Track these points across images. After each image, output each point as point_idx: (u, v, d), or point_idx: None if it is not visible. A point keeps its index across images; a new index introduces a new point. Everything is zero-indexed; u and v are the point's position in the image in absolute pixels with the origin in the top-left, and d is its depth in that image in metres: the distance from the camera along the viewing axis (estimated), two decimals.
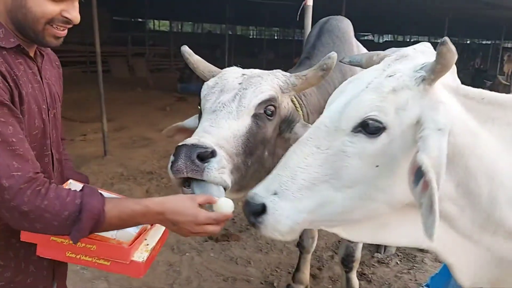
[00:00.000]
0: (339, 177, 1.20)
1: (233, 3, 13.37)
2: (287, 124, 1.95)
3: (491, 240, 1.29)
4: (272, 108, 1.84)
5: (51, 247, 1.38)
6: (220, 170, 1.58)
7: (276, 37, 38.98)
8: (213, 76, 2.01)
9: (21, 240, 1.36)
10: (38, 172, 1.25)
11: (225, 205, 1.42)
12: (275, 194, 1.24)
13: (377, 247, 4.06)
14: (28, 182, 1.19)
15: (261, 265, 3.75)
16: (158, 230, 1.59)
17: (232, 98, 1.80)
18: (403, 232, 1.33)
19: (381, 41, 38.69)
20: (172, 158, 1.58)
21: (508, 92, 7.44)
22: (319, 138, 1.24)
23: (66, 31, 1.37)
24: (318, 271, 3.74)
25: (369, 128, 1.17)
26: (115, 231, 1.41)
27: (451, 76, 1.27)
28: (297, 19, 3.82)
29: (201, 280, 3.49)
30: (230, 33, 16.82)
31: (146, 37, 18.03)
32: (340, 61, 1.87)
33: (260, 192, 1.27)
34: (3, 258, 1.36)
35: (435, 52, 1.16)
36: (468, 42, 35.00)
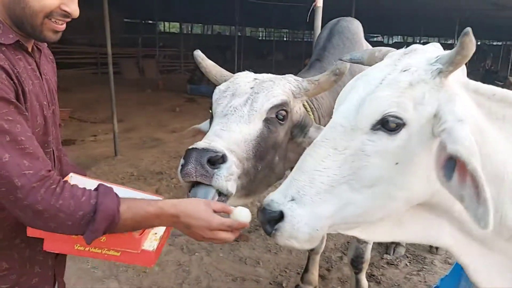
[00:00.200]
0: (358, 177, 1.17)
1: (242, 5, 13.41)
2: (299, 128, 1.95)
3: (506, 246, 1.25)
4: (283, 112, 1.84)
5: (59, 241, 1.36)
6: (228, 177, 1.58)
7: (285, 39, 38.98)
8: (225, 81, 2.01)
9: (27, 235, 1.33)
10: (50, 170, 1.23)
11: (242, 214, 1.38)
12: (292, 200, 1.19)
13: (386, 249, 4.05)
14: (41, 181, 1.17)
15: (270, 266, 3.76)
16: None
17: (244, 102, 1.80)
18: (416, 229, 1.31)
19: (390, 42, 38.52)
20: (182, 161, 1.58)
21: None
22: (335, 139, 1.20)
23: (64, 25, 1.34)
24: (327, 272, 3.74)
25: (389, 125, 1.14)
26: None
27: (460, 72, 1.25)
28: (307, 21, 3.83)
29: (211, 280, 3.51)
30: (240, 34, 16.85)
31: (156, 39, 18.12)
32: (340, 59, 1.86)
33: (277, 198, 1.22)
34: (8, 260, 1.34)
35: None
36: (479, 43, 34.67)
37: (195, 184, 1.60)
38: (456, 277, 2.20)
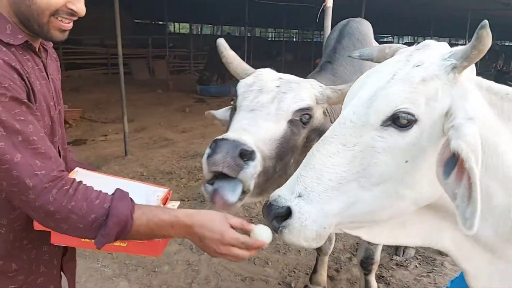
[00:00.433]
0: (367, 174, 1.13)
1: (252, 5, 13.42)
2: (318, 133, 1.95)
3: None
4: (307, 116, 1.83)
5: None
6: (254, 175, 1.56)
7: (294, 39, 38.91)
8: (246, 74, 2.00)
9: (34, 228, 1.33)
10: (63, 170, 1.22)
11: (262, 233, 1.29)
12: (299, 196, 1.15)
13: (396, 250, 4.03)
14: (53, 181, 1.16)
15: (278, 266, 3.76)
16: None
17: (271, 100, 1.79)
18: (417, 232, 1.29)
19: (400, 42, 38.23)
20: (208, 150, 1.55)
21: None
22: (345, 135, 1.17)
23: (71, 24, 1.32)
24: (336, 273, 3.73)
25: (400, 121, 1.11)
26: None
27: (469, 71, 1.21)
28: (317, 21, 3.82)
29: (220, 279, 3.53)
30: (249, 35, 16.87)
31: (166, 39, 18.20)
32: (349, 56, 1.84)
33: (284, 194, 1.18)
34: (17, 261, 1.34)
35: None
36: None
37: (216, 176, 1.56)
38: None
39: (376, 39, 2.88)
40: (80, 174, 1.47)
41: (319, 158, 1.18)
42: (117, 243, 1.32)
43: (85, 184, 1.24)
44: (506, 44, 34.96)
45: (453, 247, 1.28)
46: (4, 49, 1.20)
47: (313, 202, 1.14)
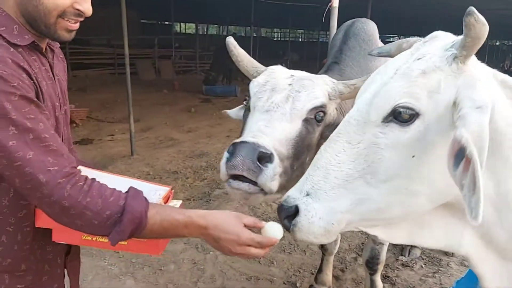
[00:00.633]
0: (373, 171, 1.13)
1: (258, 5, 13.44)
2: (331, 129, 1.95)
3: None
4: (322, 114, 1.84)
5: (67, 232, 1.33)
6: (273, 177, 1.57)
7: (300, 39, 38.89)
8: (256, 72, 2.00)
9: (36, 226, 1.34)
10: (75, 167, 1.22)
11: (273, 230, 1.31)
12: (307, 195, 1.18)
13: (402, 250, 4.02)
14: (66, 177, 1.16)
15: (284, 266, 3.77)
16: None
17: (285, 99, 1.79)
18: (438, 234, 1.26)
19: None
20: (227, 154, 1.56)
21: None
22: (350, 133, 1.18)
23: (78, 24, 1.32)
24: (341, 272, 3.74)
25: (401, 116, 1.10)
26: None
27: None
28: (323, 21, 3.82)
29: (225, 278, 3.54)
30: (255, 35, 16.90)
31: (172, 39, 18.27)
32: (369, 54, 1.83)
33: (293, 194, 1.21)
34: (26, 261, 1.35)
35: None
36: (498, 43, 34.08)
37: (234, 177, 1.57)
38: (473, 280, 2.17)
39: (382, 39, 2.88)
40: (83, 173, 1.48)
41: (326, 156, 1.19)
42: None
43: (98, 182, 1.24)
44: None
45: (473, 251, 1.26)
46: (12, 49, 1.21)
47: (320, 200, 1.16)
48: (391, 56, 1.56)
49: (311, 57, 22.27)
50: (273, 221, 1.36)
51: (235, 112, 2.23)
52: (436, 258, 3.95)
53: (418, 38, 1.43)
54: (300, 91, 1.81)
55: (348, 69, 2.46)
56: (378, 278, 3.08)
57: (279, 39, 38.73)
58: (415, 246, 3.99)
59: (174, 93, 12.97)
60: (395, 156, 1.12)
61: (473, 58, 1.14)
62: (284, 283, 3.53)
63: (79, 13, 1.29)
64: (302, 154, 1.78)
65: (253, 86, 1.90)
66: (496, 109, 1.10)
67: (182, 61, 18.46)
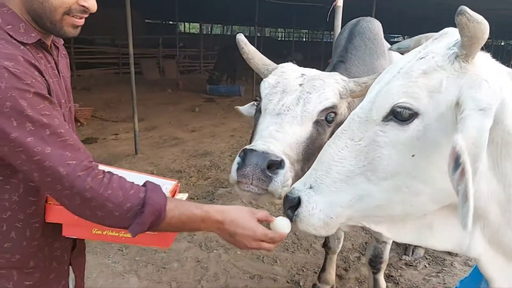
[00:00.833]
0: (373, 169, 1.14)
1: (262, 5, 13.44)
2: None
3: None
4: (333, 114, 1.84)
5: (78, 226, 1.36)
6: (284, 183, 1.58)
7: (304, 39, 38.87)
8: (267, 70, 2.01)
9: (46, 221, 1.36)
10: (92, 161, 1.24)
11: (282, 225, 1.38)
12: (310, 188, 1.22)
13: (405, 250, 4.02)
14: (85, 170, 1.18)
15: (287, 264, 3.78)
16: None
17: (296, 102, 1.79)
18: (447, 236, 1.25)
19: None
20: (238, 159, 1.57)
21: None
22: (353, 130, 1.20)
23: (83, 20, 1.33)
24: (345, 271, 3.74)
25: (400, 115, 1.11)
26: None
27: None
28: (327, 20, 3.82)
29: (228, 277, 3.55)
30: (259, 35, 16.90)
31: (176, 39, 18.30)
32: (389, 49, 1.83)
33: (298, 186, 1.26)
34: (34, 258, 1.36)
35: None
36: (503, 43, 33.92)
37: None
38: (476, 279, 2.17)
39: (386, 39, 2.87)
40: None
41: (330, 152, 1.23)
42: (128, 235, 1.32)
43: (117, 175, 1.26)
44: None
45: (483, 253, 1.25)
46: (22, 47, 1.22)
47: (322, 193, 1.20)
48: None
49: (315, 57, 22.24)
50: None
51: (246, 109, 2.25)
52: (440, 258, 3.94)
53: (440, 32, 1.39)
54: (311, 92, 1.81)
55: (354, 68, 2.46)
56: (381, 277, 3.08)
57: (283, 39, 38.69)
58: (419, 246, 3.98)
59: (178, 93, 13.00)
60: (395, 154, 1.12)
61: (483, 56, 1.12)
62: (288, 282, 3.53)
63: (84, 10, 1.30)
64: (313, 156, 1.77)
65: (264, 88, 1.91)
66: (508, 110, 1.07)
67: (186, 60, 18.49)
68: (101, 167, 1.29)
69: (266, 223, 1.40)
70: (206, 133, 8.31)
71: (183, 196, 1.61)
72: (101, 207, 1.20)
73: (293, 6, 13.98)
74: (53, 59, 1.40)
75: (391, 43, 3.02)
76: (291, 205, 1.24)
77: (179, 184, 1.66)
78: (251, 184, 1.54)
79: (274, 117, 1.77)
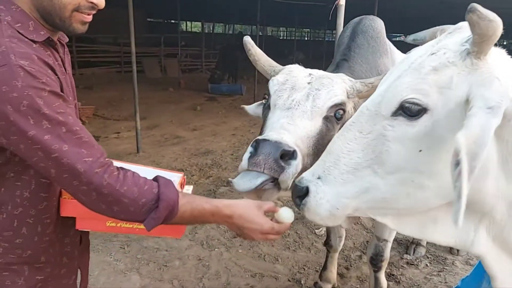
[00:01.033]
0: (380, 162, 1.15)
1: (264, 4, 13.43)
2: None
3: None
4: (341, 111, 1.86)
5: (92, 219, 1.38)
6: (295, 174, 1.58)
7: (306, 38, 38.84)
8: (274, 71, 2.03)
9: (61, 215, 1.39)
10: (106, 157, 1.27)
11: (286, 215, 1.45)
12: (319, 178, 1.25)
13: (406, 249, 4.02)
14: (102, 167, 1.21)
15: (288, 263, 3.78)
16: (187, 192, 1.63)
17: (306, 97, 1.80)
18: (451, 232, 1.24)
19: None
20: (250, 149, 1.58)
21: None
22: (362, 123, 1.21)
23: (91, 16, 1.34)
24: (346, 270, 3.74)
25: (409, 110, 1.11)
26: None
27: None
28: (329, 19, 3.83)
29: (230, 275, 3.56)
30: (261, 34, 16.86)
31: (178, 38, 18.30)
32: (405, 41, 1.83)
33: (306, 176, 1.28)
34: (45, 254, 1.38)
35: None
36: (505, 43, 33.84)
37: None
38: (478, 278, 2.17)
39: (388, 38, 2.87)
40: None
41: (338, 144, 1.25)
42: (141, 226, 1.36)
43: (130, 171, 1.30)
44: None
45: (486, 250, 1.25)
46: (34, 45, 1.23)
47: (330, 184, 1.23)
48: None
49: (317, 56, 22.21)
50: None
51: (252, 109, 2.26)
52: (441, 257, 3.94)
53: (454, 26, 1.36)
54: (320, 89, 1.83)
55: (357, 66, 2.46)
56: (382, 276, 3.08)
57: (285, 38, 38.68)
58: (420, 245, 3.99)
59: (180, 91, 13.00)
60: (402, 149, 1.13)
61: (497, 53, 1.11)
62: (289, 280, 3.54)
63: (92, 6, 1.32)
64: (321, 151, 1.78)
65: (273, 85, 1.93)
66: None
67: (188, 59, 18.48)
68: (119, 163, 1.33)
69: (271, 214, 1.46)
70: (207, 132, 8.32)
71: (189, 188, 1.66)
72: (117, 203, 1.23)
73: (295, 5, 13.96)
74: (60, 56, 1.41)
75: (393, 42, 3.02)
76: (300, 194, 1.27)
77: (185, 177, 1.68)
78: (263, 171, 1.53)
79: (285, 111, 1.78)
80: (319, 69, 2.19)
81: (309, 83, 1.87)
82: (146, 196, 1.26)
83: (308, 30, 38.32)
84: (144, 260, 3.69)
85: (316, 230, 4.34)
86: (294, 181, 1.30)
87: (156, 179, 1.33)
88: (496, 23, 0.99)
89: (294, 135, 1.66)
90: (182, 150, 6.95)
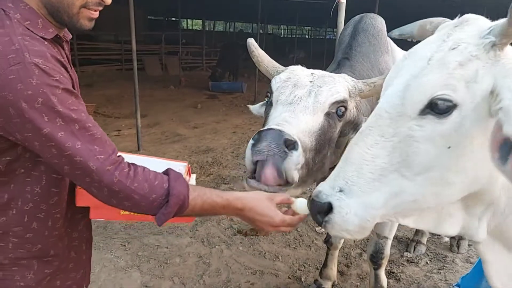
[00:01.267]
0: (408, 164, 1.11)
1: (265, 2, 13.43)
2: (352, 126, 1.98)
3: None
4: (343, 109, 1.86)
5: (105, 208, 1.38)
6: (297, 165, 1.58)
7: (307, 36, 38.80)
8: (276, 72, 2.04)
9: (76, 205, 1.42)
10: (117, 154, 1.28)
11: (302, 206, 1.40)
12: (341, 191, 1.15)
13: (407, 246, 4.03)
14: (113, 164, 1.23)
15: (289, 260, 3.79)
16: (192, 181, 1.65)
17: (308, 94, 1.82)
18: (461, 222, 1.25)
19: (415, 40, 37.81)
20: (252, 141, 1.59)
21: None
22: (382, 127, 1.15)
23: (98, 13, 1.35)
24: (346, 268, 3.75)
25: (439, 108, 1.07)
26: None
27: None
28: (330, 17, 3.82)
29: (230, 272, 3.56)
30: (262, 32, 16.86)
31: (179, 36, 18.30)
32: (389, 36, 1.84)
33: (325, 189, 1.18)
34: (54, 247, 1.40)
35: None
36: None
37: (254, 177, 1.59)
38: (478, 276, 2.18)
39: (390, 36, 2.87)
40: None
41: (358, 151, 1.17)
42: None
43: (141, 166, 1.31)
44: None
45: (484, 237, 1.26)
46: (46, 42, 1.24)
47: (355, 196, 1.14)
48: (414, 38, 1.52)
49: (318, 54, 22.20)
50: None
51: (256, 109, 2.28)
52: (441, 255, 3.95)
53: (443, 19, 1.37)
54: (322, 86, 1.84)
55: (359, 65, 2.46)
56: (382, 273, 3.08)
57: (286, 36, 38.65)
58: (420, 243, 3.99)
59: (180, 89, 13.01)
60: (432, 148, 1.10)
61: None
62: (289, 278, 3.54)
63: (100, 2, 1.33)
64: (323, 148, 1.80)
65: (275, 82, 1.94)
66: None
67: (189, 57, 18.50)
68: (123, 155, 1.34)
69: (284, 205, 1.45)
70: (208, 130, 8.33)
71: (192, 176, 1.69)
72: (128, 199, 1.25)
73: (296, 3, 13.96)
74: (65, 53, 1.43)
75: (395, 40, 3.02)
76: (320, 211, 1.17)
77: (190, 165, 1.70)
78: (266, 157, 1.53)
79: (287, 106, 1.80)
80: (320, 67, 2.20)
81: (311, 81, 1.88)
82: (157, 192, 1.28)
83: (309, 28, 38.25)
84: (144, 257, 3.70)
85: (317, 228, 4.35)
86: (310, 196, 1.22)
87: (167, 172, 1.34)
88: None
89: (296, 128, 1.67)
90: (182, 148, 6.97)
